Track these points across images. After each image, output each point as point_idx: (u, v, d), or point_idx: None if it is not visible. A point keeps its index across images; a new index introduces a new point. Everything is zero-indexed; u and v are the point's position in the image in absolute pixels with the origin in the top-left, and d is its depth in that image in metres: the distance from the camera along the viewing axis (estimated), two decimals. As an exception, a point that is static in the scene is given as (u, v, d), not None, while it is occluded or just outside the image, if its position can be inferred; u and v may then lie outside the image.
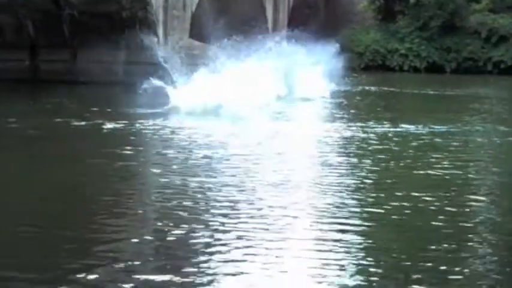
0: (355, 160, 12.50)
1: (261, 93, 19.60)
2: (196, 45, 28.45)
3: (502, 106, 24.64)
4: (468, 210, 9.19)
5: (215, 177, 10.79)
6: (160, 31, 27.67)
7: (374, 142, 14.66)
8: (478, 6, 48.76)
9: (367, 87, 31.18)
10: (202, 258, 7.08)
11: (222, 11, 32.11)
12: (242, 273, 6.75)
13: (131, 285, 6.41)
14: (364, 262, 7.13)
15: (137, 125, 16.40)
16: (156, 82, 19.17)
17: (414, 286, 6.55)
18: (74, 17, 27.69)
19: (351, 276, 6.74)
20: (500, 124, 18.83)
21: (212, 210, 8.77)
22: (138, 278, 6.56)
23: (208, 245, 7.45)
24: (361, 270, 6.89)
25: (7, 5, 27.75)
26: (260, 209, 8.84)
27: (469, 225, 8.53)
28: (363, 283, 6.60)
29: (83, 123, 16.59)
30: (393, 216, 8.71)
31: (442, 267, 7.00)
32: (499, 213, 9.18)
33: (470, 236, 8.10)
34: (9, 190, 10.06)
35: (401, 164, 12.37)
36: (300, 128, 17.05)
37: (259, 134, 15.57)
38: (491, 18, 48.05)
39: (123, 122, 16.67)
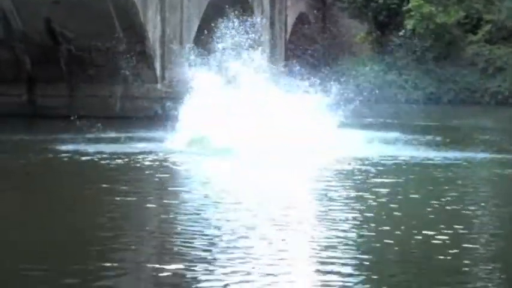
0: (350, 193, 12.39)
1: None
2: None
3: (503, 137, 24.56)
4: (474, 246, 9.01)
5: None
6: (157, 65, 27.68)
7: (372, 175, 14.52)
8: (474, 37, 48.96)
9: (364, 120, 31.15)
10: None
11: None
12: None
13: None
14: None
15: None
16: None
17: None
18: (71, 52, 27.73)
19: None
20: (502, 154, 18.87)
21: (209, 248, 8.63)
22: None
23: (200, 280, 7.28)
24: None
25: (4, 40, 27.80)
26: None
27: (475, 265, 8.38)
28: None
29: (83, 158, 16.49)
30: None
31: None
32: (500, 247, 9.05)
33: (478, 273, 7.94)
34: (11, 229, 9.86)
35: (403, 197, 12.25)
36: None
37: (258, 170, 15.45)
38: (487, 49, 48.25)
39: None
